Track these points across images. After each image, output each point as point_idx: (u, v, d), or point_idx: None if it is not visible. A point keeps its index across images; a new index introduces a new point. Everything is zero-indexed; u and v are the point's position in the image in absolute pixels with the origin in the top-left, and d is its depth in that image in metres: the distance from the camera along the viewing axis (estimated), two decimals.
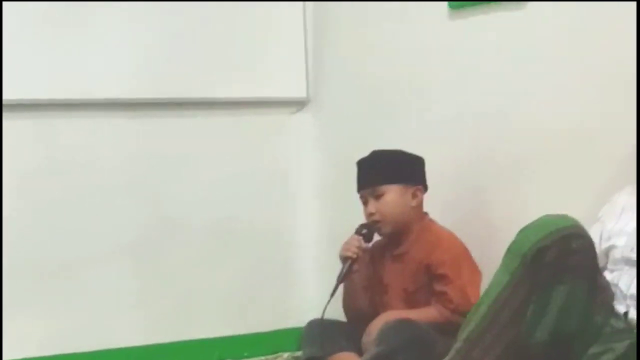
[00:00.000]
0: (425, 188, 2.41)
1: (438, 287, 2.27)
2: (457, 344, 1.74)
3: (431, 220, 2.41)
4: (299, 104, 3.03)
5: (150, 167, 2.83)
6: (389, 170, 2.38)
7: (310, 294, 2.89)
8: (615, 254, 1.87)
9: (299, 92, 3.00)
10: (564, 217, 1.72)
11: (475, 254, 2.34)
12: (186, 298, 2.85)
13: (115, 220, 2.76)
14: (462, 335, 1.74)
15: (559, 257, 1.65)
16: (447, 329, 2.11)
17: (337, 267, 2.36)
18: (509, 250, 1.74)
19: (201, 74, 2.84)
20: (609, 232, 1.93)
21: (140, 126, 2.81)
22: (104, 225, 2.74)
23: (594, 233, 1.95)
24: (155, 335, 2.78)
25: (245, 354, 2.87)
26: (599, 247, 1.93)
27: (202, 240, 2.88)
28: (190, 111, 2.88)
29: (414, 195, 2.36)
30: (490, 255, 2.18)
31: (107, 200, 2.75)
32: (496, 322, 1.69)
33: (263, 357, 2.86)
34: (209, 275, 2.87)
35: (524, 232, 1.72)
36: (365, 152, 2.44)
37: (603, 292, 1.77)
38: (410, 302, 2.33)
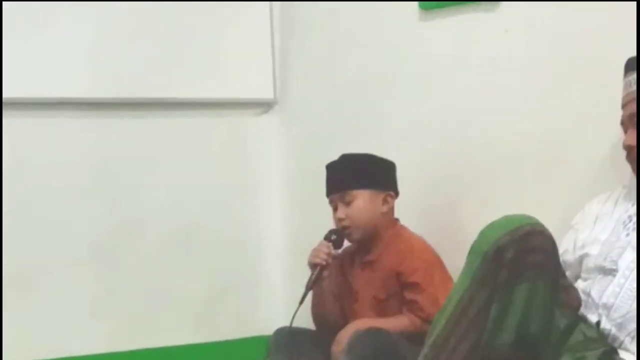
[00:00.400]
0: (397, 193, 2.40)
1: (409, 295, 2.27)
2: (424, 350, 1.76)
3: (402, 227, 2.41)
4: (265, 105, 3.02)
5: (110, 169, 2.81)
6: (359, 175, 2.37)
7: (277, 301, 2.90)
8: (589, 263, 1.89)
9: (266, 93, 2.99)
10: (524, 216, 1.73)
11: (447, 262, 2.33)
12: (147, 305, 2.83)
13: (72, 225, 2.73)
14: (429, 340, 1.75)
15: (518, 255, 1.66)
16: (419, 338, 2.04)
17: (305, 273, 2.35)
18: (470, 250, 1.76)
19: (164, 74, 2.82)
20: (583, 240, 1.95)
21: (100, 127, 2.78)
22: (60, 229, 2.71)
23: (567, 241, 2.00)
24: (115, 343, 2.75)
25: None
26: (573, 255, 1.96)
27: (164, 246, 2.86)
28: (152, 112, 2.86)
29: (385, 201, 2.36)
30: (462, 262, 2.20)
31: (64, 203, 2.72)
32: (460, 324, 1.71)
33: None
34: (171, 282, 2.85)
35: (484, 231, 1.74)
36: (334, 156, 2.43)
37: (566, 294, 1.78)
38: (381, 310, 2.32)
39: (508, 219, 1.74)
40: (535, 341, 1.72)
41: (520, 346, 1.70)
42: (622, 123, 1.92)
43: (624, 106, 1.91)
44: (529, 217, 1.74)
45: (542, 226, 1.73)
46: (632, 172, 1.91)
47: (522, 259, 1.68)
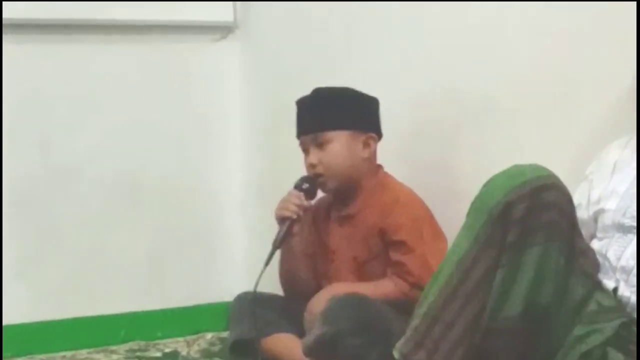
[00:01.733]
0: (380, 136, 2.35)
1: (395, 256, 2.24)
2: (415, 321, 1.71)
3: (386, 175, 2.36)
4: (224, 30, 3.00)
5: (39, 103, 2.75)
6: (335, 113, 2.32)
7: (239, 262, 2.90)
8: (605, 219, 1.85)
9: (225, 16, 2.96)
10: (535, 167, 1.69)
11: (439, 217, 2.29)
12: (83, 266, 2.80)
13: None
14: (420, 309, 1.71)
15: (529, 213, 1.63)
16: (405, 306, 2.08)
17: (272, 229, 2.30)
18: (472, 206, 1.71)
19: None
20: (599, 194, 1.90)
21: (30, 54, 2.78)
22: None
23: (580, 194, 1.95)
24: (43, 311, 2.74)
25: (159, 334, 2.86)
26: (587, 211, 1.91)
27: (103, 196, 2.83)
28: (89, 36, 2.82)
29: (366, 144, 2.31)
30: (456, 216, 2.14)
31: None
32: (459, 291, 1.67)
33: (181, 339, 2.85)
34: (111, 239, 2.83)
35: (489, 184, 1.70)
36: (305, 90, 2.36)
37: (583, 258, 1.74)
38: (362, 273, 2.30)
39: (516, 170, 1.70)
40: (546, 313, 1.68)
41: (529, 319, 1.67)
42: None
43: None
44: (541, 168, 1.69)
45: (557, 178, 1.69)
46: None
47: (534, 217, 1.64)
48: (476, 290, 1.67)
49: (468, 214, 1.73)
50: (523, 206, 1.64)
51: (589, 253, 1.80)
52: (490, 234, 1.67)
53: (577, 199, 1.95)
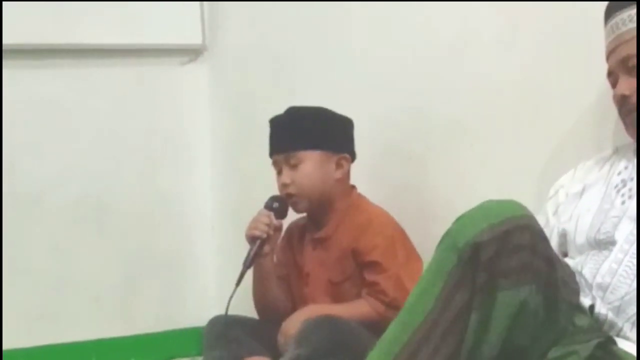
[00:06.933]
0: (353, 156, 2.32)
1: (369, 276, 2.20)
2: None
3: (360, 196, 2.33)
4: (193, 52, 3.00)
5: (3, 128, 2.72)
6: (308, 133, 2.29)
7: (211, 285, 2.88)
8: (578, 237, 1.82)
9: (193, 38, 2.96)
10: (511, 205, 1.61)
11: (412, 236, 2.26)
12: (51, 293, 2.77)
13: None
14: (394, 348, 1.63)
15: (498, 256, 1.57)
16: (381, 326, 1.95)
17: (243, 250, 2.25)
18: (443, 241, 1.63)
19: (73, 15, 2.76)
20: (570, 210, 1.87)
21: None
22: None
23: (549, 208, 1.92)
24: (13, 338, 2.67)
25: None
26: (557, 228, 1.89)
27: (71, 221, 2.80)
28: (59, 60, 2.81)
29: (339, 165, 2.28)
30: (429, 237, 2.17)
31: None
32: (433, 334, 1.60)
33: None
34: (80, 265, 2.80)
35: (461, 221, 1.62)
36: (272, 110, 2.34)
37: (565, 288, 1.68)
38: (336, 294, 2.26)
39: (490, 207, 1.61)
40: (525, 351, 1.62)
41: (506, 357, 1.60)
42: (610, 74, 1.83)
43: (610, 54, 1.83)
44: (516, 207, 1.60)
45: (531, 218, 1.60)
46: (626, 128, 1.83)
47: (504, 260, 1.56)
48: (449, 331, 1.59)
49: (438, 249, 1.64)
50: (492, 249, 1.56)
51: (569, 279, 1.74)
52: (460, 276, 1.59)
53: (545, 216, 1.94)
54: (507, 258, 1.57)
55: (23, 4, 2.67)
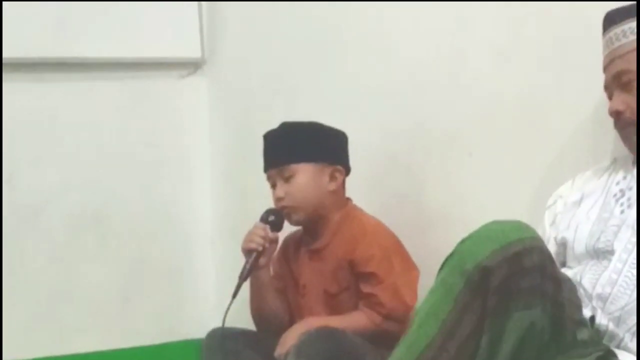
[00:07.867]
0: (347, 169, 2.31)
1: (366, 288, 2.18)
2: None
3: (354, 208, 2.32)
4: (192, 66, 2.99)
5: (4, 139, 2.71)
6: (301, 146, 2.29)
7: (210, 297, 2.87)
8: (577, 247, 1.81)
9: (193, 52, 2.96)
10: (518, 227, 1.59)
11: (410, 247, 2.25)
12: (50, 304, 2.76)
13: None
14: None
15: (508, 279, 1.55)
16: (378, 338, 2.07)
17: (241, 262, 2.25)
18: (447, 264, 1.60)
19: (73, 30, 2.76)
20: (568, 220, 1.87)
21: None
22: None
23: (548, 222, 1.92)
24: (12, 350, 2.65)
25: None
26: (555, 239, 1.88)
27: (71, 233, 2.80)
28: (62, 74, 2.80)
29: (332, 177, 2.27)
30: (425, 248, 2.17)
31: None
32: (440, 358, 1.58)
33: None
34: (79, 276, 2.79)
35: (467, 243, 1.59)
36: (271, 124, 2.33)
37: (570, 306, 1.67)
38: (333, 305, 2.25)
39: (497, 229, 1.58)
40: None
41: None
42: (606, 87, 1.84)
43: (605, 68, 1.83)
44: (523, 228, 1.59)
45: (538, 239, 1.60)
46: (624, 140, 1.83)
47: (514, 284, 1.55)
48: (458, 355, 1.58)
49: (444, 269, 1.62)
50: (503, 272, 1.55)
51: (572, 295, 1.73)
52: (469, 300, 1.57)
53: (544, 227, 1.93)
54: (518, 281, 1.56)
55: (23, 17, 2.66)
